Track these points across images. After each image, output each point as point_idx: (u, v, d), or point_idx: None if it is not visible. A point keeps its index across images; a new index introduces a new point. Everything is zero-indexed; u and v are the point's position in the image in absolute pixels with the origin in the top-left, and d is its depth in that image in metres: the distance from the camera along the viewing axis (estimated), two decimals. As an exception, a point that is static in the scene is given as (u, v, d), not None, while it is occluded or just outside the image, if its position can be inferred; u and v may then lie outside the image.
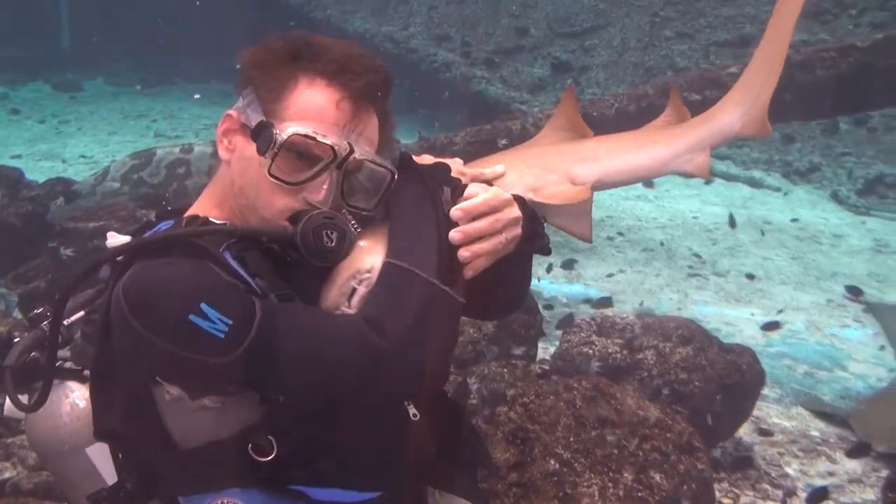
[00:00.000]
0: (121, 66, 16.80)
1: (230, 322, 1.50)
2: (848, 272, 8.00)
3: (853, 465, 4.43)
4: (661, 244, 8.41)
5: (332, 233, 1.64)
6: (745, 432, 4.65)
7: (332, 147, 1.64)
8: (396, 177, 1.73)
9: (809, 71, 6.54)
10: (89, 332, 1.86)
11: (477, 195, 1.71)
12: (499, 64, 12.27)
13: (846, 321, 6.70)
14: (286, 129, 1.64)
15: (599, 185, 2.04)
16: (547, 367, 4.88)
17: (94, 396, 1.75)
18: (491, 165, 1.91)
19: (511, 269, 1.80)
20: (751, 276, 7.59)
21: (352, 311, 1.64)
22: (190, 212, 1.79)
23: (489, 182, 1.84)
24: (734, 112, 2.07)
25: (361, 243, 1.69)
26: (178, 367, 1.57)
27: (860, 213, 10.19)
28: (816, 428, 4.85)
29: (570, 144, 2.13)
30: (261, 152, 1.65)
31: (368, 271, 1.66)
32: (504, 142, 6.70)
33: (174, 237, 1.62)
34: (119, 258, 1.66)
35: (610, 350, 4.66)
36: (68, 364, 1.93)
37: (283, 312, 1.58)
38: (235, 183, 1.72)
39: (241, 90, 1.74)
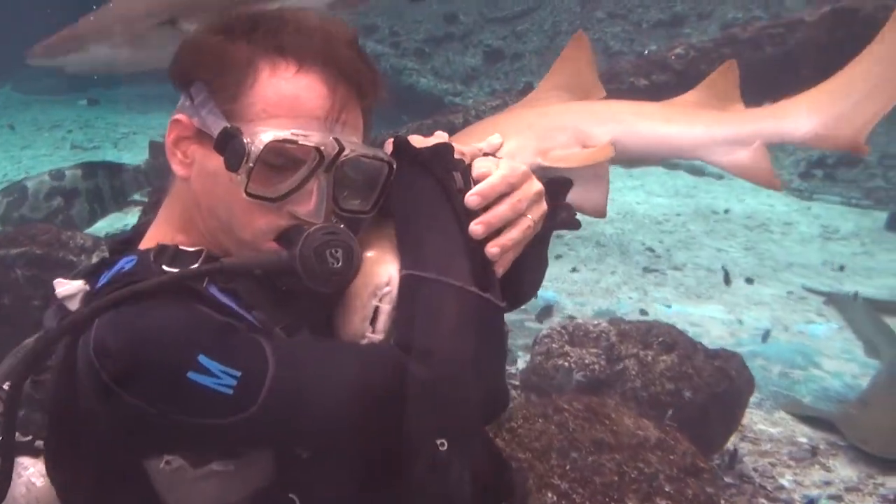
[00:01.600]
0: (30, 70, 15.63)
1: (238, 374, 1.28)
2: (803, 261, 8.07)
3: (848, 473, 4.40)
4: (613, 239, 8.37)
5: (336, 251, 1.41)
6: (732, 442, 4.58)
7: (316, 148, 1.40)
8: (395, 167, 1.50)
9: (758, 49, 6.55)
10: (39, 398, 1.53)
11: (491, 173, 1.49)
12: (429, 54, 12.09)
13: (810, 315, 6.73)
14: (258, 136, 1.38)
15: (616, 154, 1.83)
16: (517, 384, 4.74)
17: (54, 473, 1.50)
18: (484, 132, 1.67)
19: (530, 252, 1.56)
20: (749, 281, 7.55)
21: (378, 338, 1.43)
22: (149, 240, 1.53)
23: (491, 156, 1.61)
24: (808, 116, 1.89)
25: (368, 253, 1.47)
26: (179, 436, 1.34)
27: (804, 197, 10.32)
28: (803, 433, 4.81)
29: (581, 103, 1.92)
30: (231, 168, 1.40)
31: (387, 284, 1.45)
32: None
33: (158, 285, 1.36)
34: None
35: (587, 361, 4.54)
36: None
37: (299, 352, 1.37)
38: (202, 203, 1.47)
39: (184, 87, 1.48)
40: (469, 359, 1.37)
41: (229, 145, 1.40)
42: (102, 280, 1.46)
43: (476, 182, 1.49)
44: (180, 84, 1.50)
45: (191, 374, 1.27)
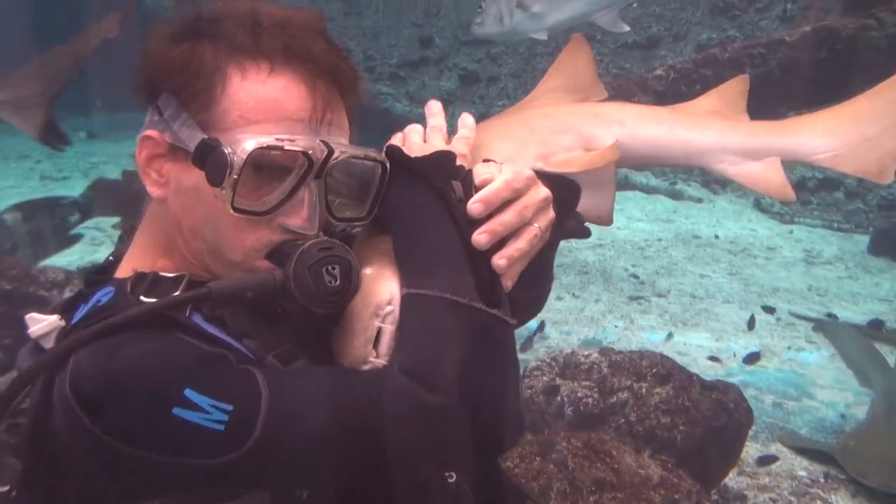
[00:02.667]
0: None
1: (230, 408, 1.19)
2: (788, 286, 8.08)
3: (850, 508, 4.36)
4: (595, 265, 8.33)
5: (333, 268, 1.32)
6: (730, 477, 4.51)
7: (304, 153, 1.31)
8: (388, 169, 1.41)
9: (738, 69, 6.56)
10: (13, 442, 1.43)
11: (493, 178, 1.39)
12: (404, 78, 12.06)
13: (799, 342, 6.72)
14: (240, 144, 1.29)
15: (623, 158, 1.77)
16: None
17: None
18: (481, 134, 1.56)
19: (535, 264, 1.46)
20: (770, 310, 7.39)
21: (382, 362, 1.33)
22: (127, 268, 1.42)
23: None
24: (828, 135, 1.83)
25: (366, 270, 1.38)
26: (167, 479, 1.24)
27: (785, 221, 10.37)
28: (801, 467, 4.76)
29: (585, 105, 1.85)
30: (214, 182, 1.30)
31: (389, 303, 1.35)
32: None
33: (137, 317, 1.25)
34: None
35: (580, 395, 4.46)
36: None
37: (296, 381, 1.28)
38: (183, 224, 1.38)
39: (149, 101, 1.39)
40: (481, 383, 1.29)
41: (209, 158, 1.31)
42: (78, 314, 1.37)
43: (478, 189, 1.39)
44: (146, 98, 1.40)
45: (176, 411, 1.18)
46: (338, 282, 1.32)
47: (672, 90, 6.61)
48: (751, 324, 6.39)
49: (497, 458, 1.53)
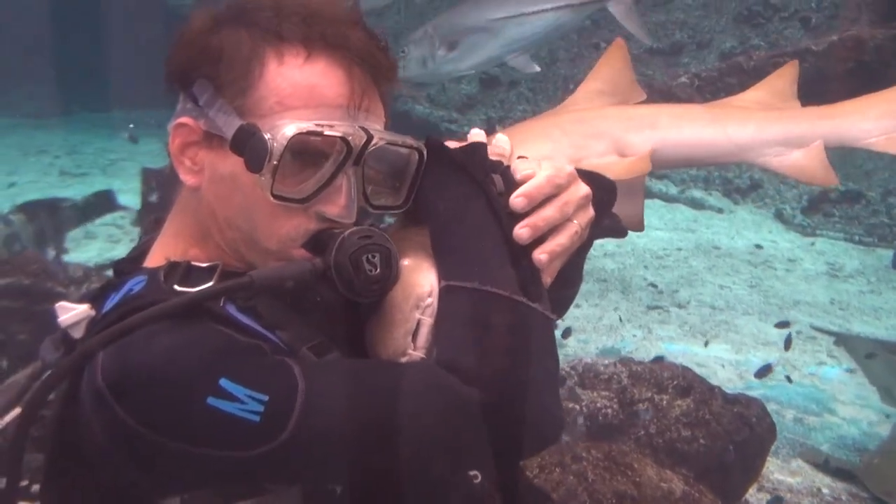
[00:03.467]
0: (13, 95, 15.12)
1: (265, 398, 1.17)
2: (809, 300, 8.02)
3: (874, 528, 4.31)
4: (614, 274, 8.29)
5: (373, 256, 1.31)
6: (750, 493, 4.47)
7: (342, 139, 1.29)
8: (425, 157, 1.39)
9: (763, 78, 6.51)
10: (37, 435, 1.38)
11: (534, 173, 1.38)
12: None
13: (821, 357, 6.66)
14: (280, 130, 1.28)
15: (655, 162, 1.74)
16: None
17: None
18: (515, 137, 1.54)
19: (568, 263, 1.44)
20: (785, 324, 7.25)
21: (420, 355, 1.31)
22: (158, 257, 1.41)
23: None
24: (876, 119, 1.78)
25: (404, 261, 1.36)
26: (200, 471, 1.22)
27: (807, 234, 10.29)
28: (823, 484, 4.72)
29: (618, 108, 1.83)
30: (253, 169, 1.29)
31: (430, 295, 1.33)
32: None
33: (173, 308, 1.23)
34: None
35: (599, 405, 4.43)
36: (3, 480, 1.52)
37: (332, 373, 1.26)
38: (218, 213, 1.37)
39: (184, 87, 1.37)
40: (523, 377, 1.27)
41: (248, 144, 1.29)
42: (109, 303, 1.35)
43: (519, 185, 1.37)
44: (179, 85, 1.38)
45: (211, 400, 1.17)
46: (378, 270, 1.32)
47: (696, 98, 6.58)
48: (787, 344, 6.22)
49: (535, 455, 1.50)
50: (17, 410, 1.43)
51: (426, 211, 1.41)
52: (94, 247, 7.11)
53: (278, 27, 1.33)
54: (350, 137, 1.30)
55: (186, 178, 1.38)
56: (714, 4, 12.00)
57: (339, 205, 1.34)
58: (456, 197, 1.38)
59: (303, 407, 1.18)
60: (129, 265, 1.47)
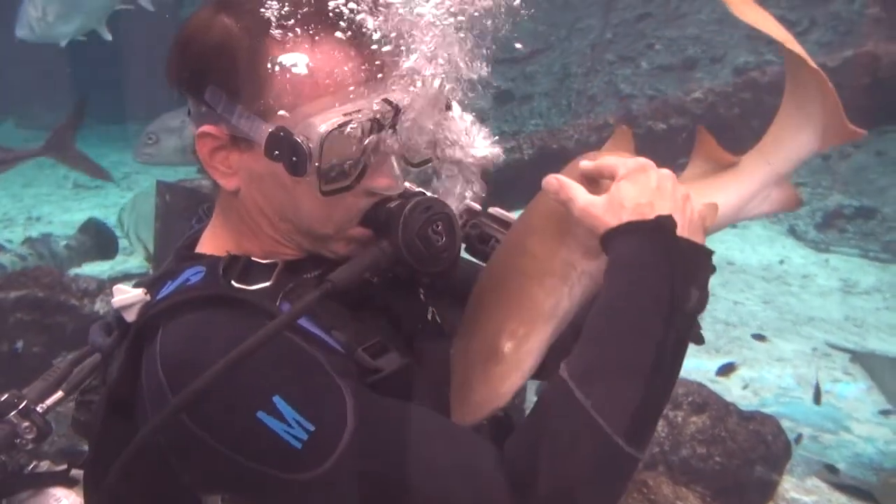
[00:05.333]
0: (35, 106, 14.64)
1: (312, 428, 1.16)
2: (824, 316, 7.96)
3: (891, 548, 4.26)
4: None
5: (437, 226, 1.31)
6: (766, 511, 4.44)
7: (374, 119, 1.28)
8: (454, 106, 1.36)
9: (778, 93, 6.47)
10: (82, 420, 1.46)
11: None
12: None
13: (836, 374, 6.61)
14: (312, 129, 1.25)
15: None
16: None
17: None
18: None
19: None
20: (761, 337, 7.22)
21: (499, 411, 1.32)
22: (214, 247, 1.41)
23: None
24: (804, 123, 1.77)
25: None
26: (238, 478, 1.22)
27: (821, 250, 10.23)
28: (840, 503, 4.67)
29: None
30: (296, 173, 1.27)
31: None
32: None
33: (274, 332, 1.20)
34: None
35: (613, 422, 4.41)
36: (44, 464, 1.55)
37: (386, 421, 1.22)
38: (266, 210, 1.35)
39: (192, 94, 1.34)
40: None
41: (283, 150, 1.27)
42: (165, 290, 1.34)
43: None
44: (188, 91, 1.36)
45: (260, 414, 1.16)
46: (444, 238, 1.33)
47: (710, 113, 6.56)
48: (817, 397, 5.81)
49: None
50: (58, 394, 1.47)
51: (607, 273, 1.32)
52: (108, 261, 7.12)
53: (273, 15, 1.29)
54: (379, 115, 1.28)
55: (224, 183, 1.37)
56: (728, 20, 11.97)
57: (386, 177, 1.34)
58: (642, 295, 1.27)
59: (346, 448, 1.17)
60: (188, 251, 1.46)
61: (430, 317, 1.54)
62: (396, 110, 1.29)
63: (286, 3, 1.29)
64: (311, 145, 1.25)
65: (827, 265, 9.63)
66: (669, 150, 6.58)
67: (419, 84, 1.32)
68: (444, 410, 1.38)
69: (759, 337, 6.66)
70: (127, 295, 1.35)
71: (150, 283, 1.39)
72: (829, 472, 4.96)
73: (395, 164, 1.34)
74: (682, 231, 1.30)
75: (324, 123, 1.25)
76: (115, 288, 1.38)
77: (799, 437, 5.04)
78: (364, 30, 1.30)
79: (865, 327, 7.81)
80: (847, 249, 10.19)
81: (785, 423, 5.49)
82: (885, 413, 5.87)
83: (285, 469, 1.18)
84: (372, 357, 1.29)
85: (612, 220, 1.31)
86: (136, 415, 1.28)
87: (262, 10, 1.28)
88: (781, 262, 9.43)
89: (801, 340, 7.28)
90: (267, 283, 1.29)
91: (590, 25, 12.48)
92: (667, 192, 1.34)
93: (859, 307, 8.34)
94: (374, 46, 1.30)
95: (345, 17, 1.29)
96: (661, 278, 1.26)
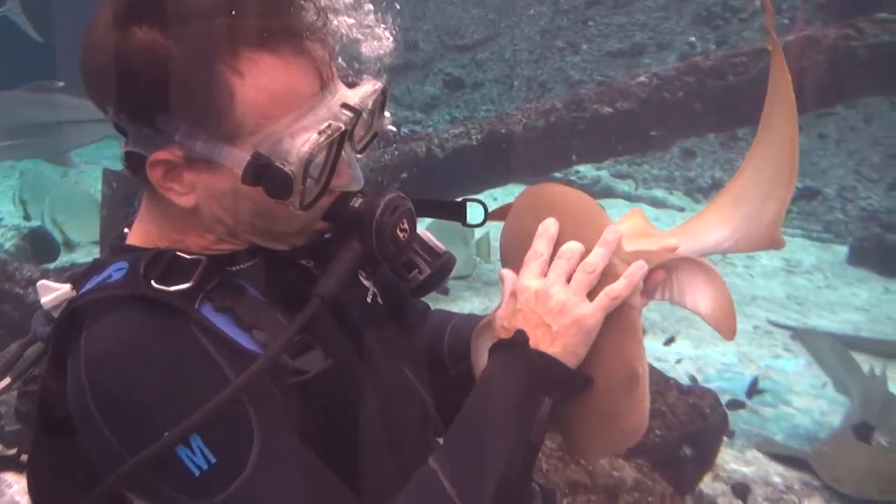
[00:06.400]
0: None
1: (214, 461, 1.19)
2: (767, 295, 8.11)
3: (824, 513, 4.38)
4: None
5: (403, 223, 1.39)
6: (704, 483, 4.52)
7: (338, 130, 1.27)
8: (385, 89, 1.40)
9: (721, 78, 6.58)
10: (24, 410, 1.43)
11: None
12: (389, 82, 12.08)
13: (777, 350, 6.75)
14: (291, 154, 1.23)
15: None
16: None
17: (35, 493, 1.40)
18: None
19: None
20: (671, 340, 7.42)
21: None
22: (140, 242, 1.38)
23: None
24: (719, 228, 1.77)
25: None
26: (144, 488, 1.25)
27: (766, 231, 10.38)
28: (777, 473, 4.78)
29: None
30: (279, 197, 1.26)
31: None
32: (414, 169, 6.49)
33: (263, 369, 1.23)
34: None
35: (557, 398, 4.47)
36: None
37: (289, 476, 1.25)
38: (224, 220, 1.32)
39: (137, 122, 1.27)
40: None
41: (264, 177, 1.25)
42: (88, 285, 1.32)
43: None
44: (133, 119, 1.29)
45: (169, 437, 1.18)
46: (408, 233, 1.40)
47: (655, 97, 6.64)
48: (750, 392, 5.81)
49: None
50: (6, 380, 1.43)
51: (485, 371, 1.43)
52: (55, 250, 7.05)
53: (223, 37, 1.23)
54: (345, 126, 1.28)
55: (180, 201, 1.31)
56: (674, 6, 12.11)
57: (347, 176, 1.35)
58: (505, 394, 1.38)
59: (241, 485, 1.20)
60: (119, 242, 1.43)
61: (370, 299, 1.56)
62: (357, 114, 1.30)
63: (225, 20, 1.22)
64: (292, 169, 1.24)
65: (771, 246, 9.77)
66: (615, 133, 6.67)
67: (366, 83, 1.36)
68: (384, 398, 1.44)
69: (670, 341, 6.72)
70: (53, 294, 1.35)
71: (80, 276, 1.38)
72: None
73: (354, 161, 1.36)
74: (547, 342, 1.40)
75: (304, 145, 1.24)
76: (40, 285, 1.37)
77: (733, 403, 5.12)
78: (310, 38, 1.28)
79: (807, 305, 7.96)
80: (791, 230, 10.35)
81: (726, 398, 5.61)
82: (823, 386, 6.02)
83: (181, 491, 1.20)
84: (296, 355, 1.29)
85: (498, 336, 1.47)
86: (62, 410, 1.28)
87: (203, 29, 1.22)
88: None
89: (745, 319, 7.39)
90: (188, 284, 1.27)
91: (540, 12, 12.53)
92: (527, 310, 1.43)
93: (801, 286, 8.50)
94: (320, 53, 1.28)
95: (294, 26, 1.26)
96: (513, 387, 1.38)
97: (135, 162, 1.31)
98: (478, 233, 7.11)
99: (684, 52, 11.61)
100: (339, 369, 1.34)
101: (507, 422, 1.36)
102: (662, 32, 12.15)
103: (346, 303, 1.45)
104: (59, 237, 6.76)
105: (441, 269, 1.59)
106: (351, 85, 1.35)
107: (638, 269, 1.43)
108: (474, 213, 1.65)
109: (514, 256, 1.53)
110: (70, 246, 6.82)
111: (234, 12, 1.22)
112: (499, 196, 9.79)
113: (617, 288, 1.41)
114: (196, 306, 1.26)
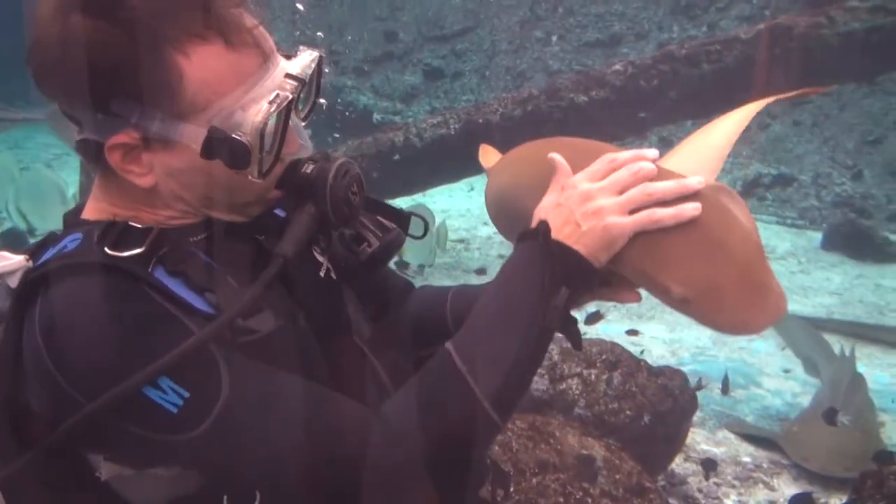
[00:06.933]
0: None
1: (187, 395, 1.22)
2: (742, 280, 8.15)
3: (792, 491, 4.42)
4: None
5: (354, 186, 1.44)
6: (676, 463, 4.57)
7: (286, 99, 1.31)
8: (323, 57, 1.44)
9: (695, 66, 6.61)
10: None
11: None
12: (369, 72, 12.09)
13: (750, 333, 6.80)
14: (246, 124, 1.28)
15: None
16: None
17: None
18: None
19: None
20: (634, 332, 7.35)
21: None
22: (94, 216, 1.41)
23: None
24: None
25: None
26: (119, 439, 1.26)
27: (742, 217, 10.43)
28: (746, 453, 4.84)
29: None
30: (238, 167, 1.30)
31: None
32: (396, 157, 6.50)
33: (219, 329, 1.26)
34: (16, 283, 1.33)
35: (530, 381, 4.51)
36: None
37: (259, 387, 1.29)
38: (183, 196, 1.36)
39: (91, 110, 1.30)
40: (442, 470, 1.33)
41: (222, 149, 1.29)
42: (45, 257, 1.35)
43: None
44: (86, 107, 1.31)
45: (137, 383, 1.20)
46: (358, 196, 1.45)
47: (630, 85, 6.67)
48: (725, 388, 5.67)
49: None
50: None
51: (508, 260, 1.46)
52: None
53: (166, 20, 1.27)
54: (291, 94, 1.32)
55: (140, 182, 1.34)
56: (651, -4, 12.19)
57: (296, 143, 1.39)
58: (519, 289, 1.41)
59: (220, 413, 1.23)
60: (74, 217, 1.46)
61: (322, 273, 1.60)
62: (301, 82, 1.34)
63: (166, 4, 1.27)
64: (248, 139, 1.28)
65: (747, 232, 9.83)
66: (592, 121, 6.70)
67: (303, 52, 1.40)
68: (332, 363, 1.47)
69: (633, 332, 6.74)
70: (9, 262, 1.36)
71: (34, 249, 1.41)
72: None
73: (302, 128, 1.41)
74: (573, 239, 1.41)
75: (256, 115, 1.29)
76: None
77: (699, 383, 5.17)
78: (244, 13, 1.32)
79: (781, 290, 8.02)
80: (766, 217, 10.43)
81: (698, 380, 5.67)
82: (787, 371, 6.09)
83: (162, 430, 1.22)
84: (247, 316, 1.33)
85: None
86: (18, 375, 1.29)
87: (147, 14, 1.26)
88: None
89: (719, 303, 7.45)
90: (140, 250, 1.30)
91: (518, 3, 12.56)
92: (565, 206, 1.46)
93: (776, 271, 8.46)
94: (257, 28, 1.32)
95: (226, 7, 1.30)
96: (532, 275, 1.40)
97: (90, 148, 1.34)
98: (437, 220, 7.12)
99: (662, 42, 11.66)
100: (286, 332, 1.39)
101: (521, 305, 1.38)
102: (640, 22, 12.20)
103: (297, 275, 1.49)
104: (22, 225, 6.75)
105: (390, 243, 1.64)
106: (288, 57, 1.39)
107: (692, 209, 1.40)
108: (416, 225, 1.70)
109: (517, 204, 1.58)
110: (33, 234, 6.82)
111: None
112: (476, 185, 9.81)
113: (662, 214, 1.41)
114: (149, 270, 1.29)
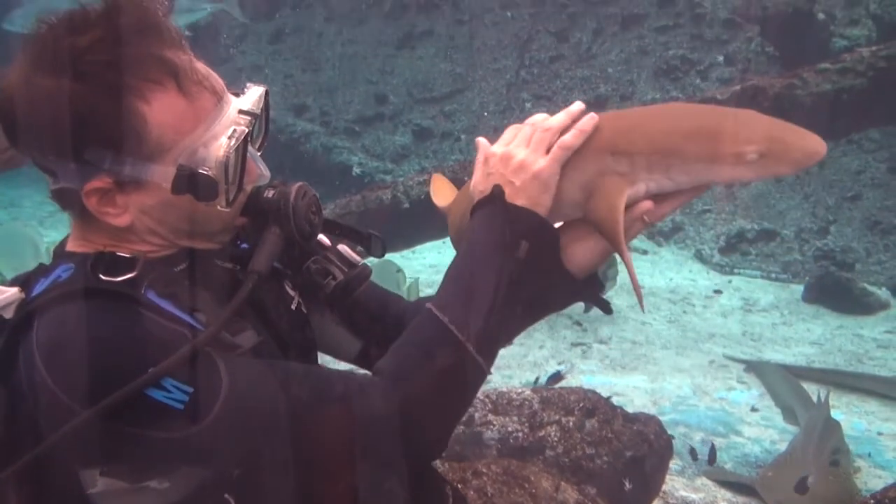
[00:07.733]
0: None
1: (191, 390, 1.30)
2: (724, 332, 8.22)
3: (767, 535, 4.44)
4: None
5: (314, 207, 1.58)
6: (653, 508, 4.59)
7: (243, 132, 1.44)
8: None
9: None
10: None
11: None
12: (359, 133, 12.25)
13: (731, 383, 6.84)
14: (210, 160, 1.40)
15: None
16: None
17: None
18: None
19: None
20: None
21: None
22: (83, 243, 1.49)
23: None
24: None
25: None
26: (122, 447, 1.32)
27: (725, 272, 10.53)
28: (724, 498, 4.86)
29: None
30: (206, 199, 1.42)
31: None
32: (380, 216, 6.60)
33: (206, 341, 1.36)
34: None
35: (510, 429, 4.54)
36: None
37: (256, 373, 1.40)
38: (157, 230, 1.47)
39: (65, 160, 1.39)
40: (435, 411, 1.46)
41: (190, 184, 1.41)
42: (38, 288, 1.42)
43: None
44: (61, 158, 1.40)
45: (142, 387, 1.27)
46: (317, 216, 1.58)
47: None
48: (711, 458, 5.39)
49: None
50: None
51: (468, 231, 1.62)
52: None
53: (123, 72, 1.36)
54: (247, 128, 1.45)
55: (117, 222, 1.44)
56: (635, 60, 12.38)
57: (255, 172, 1.52)
58: (483, 243, 1.57)
59: (225, 400, 1.32)
60: (62, 249, 1.54)
61: (294, 306, 1.71)
62: (254, 116, 1.47)
63: (119, 58, 1.36)
64: (213, 173, 1.40)
65: (730, 286, 9.92)
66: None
67: (251, 89, 1.53)
68: None
69: (556, 377, 6.76)
70: (4, 295, 1.43)
71: (25, 281, 1.47)
72: (692, 458, 5.17)
73: (259, 158, 1.54)
74: (515, 196, 1.59)
75: (218, 150, 1.41)
76: None
77: (693, 451, 5.25)
78: (193, 59, 1.45)
79: (762, 341, 8.07)
80: (749, 271, 10.50)
81: (680, 429, 5.72)
82: (754, 410, 6.15)
83: (171, 429, 1.30)
84: (232, 335, 1.44)
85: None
86: (14, 401, 1.35)
87: (105, 69, 1.35)
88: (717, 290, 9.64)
89: (701, 355, 7.51)
90: (132, 274, 1.39)
91: (505, 66, 12.76)
92: (494, 173, 1.64)
93: (758, 323, 8.62)
94: (206, 70, 1.46)
95: (176, 55, 1.42)
96: (493, 234, 1.57)
97: (66, 196, 1.45)
98: (409, 279, 7.17)
99: (646, 103, 11.82)
100: (268, 344, 1.52)
101: (490, 261, 1.54)
102: (624, 84, 12.39)
103: (270, 306, 1.61)
104: None
105: (355, 277, 1.76)
106: (237, 94, 1.51)
107: (589, 120, 1.63)
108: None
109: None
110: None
111: (124, 49, 1.37)
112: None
113: (567, 139, 1.60)
114: (142, 292, 1.38)
